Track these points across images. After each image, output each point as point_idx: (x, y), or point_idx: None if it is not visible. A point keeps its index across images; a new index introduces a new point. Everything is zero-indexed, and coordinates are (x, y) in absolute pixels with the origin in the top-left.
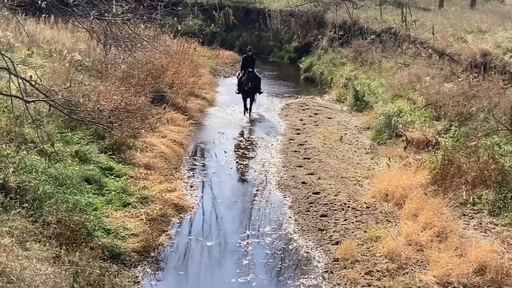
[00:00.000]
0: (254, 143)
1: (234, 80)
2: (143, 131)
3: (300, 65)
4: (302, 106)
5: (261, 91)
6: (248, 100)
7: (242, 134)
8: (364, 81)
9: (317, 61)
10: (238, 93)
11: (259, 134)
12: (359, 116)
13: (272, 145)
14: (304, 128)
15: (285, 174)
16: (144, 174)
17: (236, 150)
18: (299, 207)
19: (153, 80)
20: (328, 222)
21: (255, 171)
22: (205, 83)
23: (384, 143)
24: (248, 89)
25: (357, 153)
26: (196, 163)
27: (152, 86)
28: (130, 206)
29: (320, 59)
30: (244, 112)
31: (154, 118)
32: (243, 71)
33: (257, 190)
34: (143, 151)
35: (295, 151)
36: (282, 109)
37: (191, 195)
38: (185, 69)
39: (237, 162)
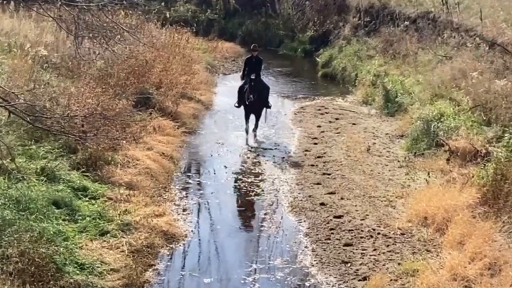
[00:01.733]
0: (261, 156)
1: (235, 82)
2: (124, 142)
3: (317, 59)
4: (320, 110)
5: (270, 105)
6: (252, 117)
7: (246, 145)
8: (396, 78)
9: (338, 54)
10: (238, 106)
11: (267, 145)
12: (390, 121)
13: (283, 158)
14: (323, 137)
15: (299, 193)
16: (126, 195)
17: (239, 164)
18: (318, 235)
19: (136, 80)
20: (354, 253)
21: (262, 191)
22: (200, 82)
23: (422, 154)
24: (252, 103)
25: (389, 166)
26: (190, 181)
27: (135, 87)
28: (109, 234)
29: (342, 51)
30: (247, 133)
31: (138, 126)
32: (245, 78)
33: (265, 214)
34: (125, 166)
35: (312, 165)
36: (295, 114)
37: (184, 220)
38: (175, 65)
39: (240, 179)
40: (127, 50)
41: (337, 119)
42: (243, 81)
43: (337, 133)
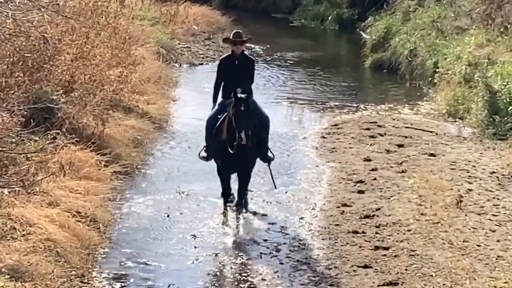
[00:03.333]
0: (260, 214)
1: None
2: (5, 192)
3: (363, 35)
4: (369, 129)
5: (270, 156)
6: (235, 179)
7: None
8: (510, 69)
9: (401, 26)
10: (206, 159)
11: (272, 193)
12: (499, 150)
13: (302, 218)
14: (375, 180)
15: (332, 284)
16: None
17: (220, 231)
18: None
19: (27, 76)
20: None
21: (264, 280)
22: (147, 81)
23: None
24: (238, 151)
25: (497, 233)
26: (129, 263)
27: (24, 90)
28: None
29: (409, 21)
30: (225, 205)
31: (31, 162)
32: (220, 98)
33: None
34: (6, 238)
35: (356, 233)
36: (323, 137)
37: None
38: (100, 48)
39: (221, 260)
40: (9, 20)
41: (401, 146)
42: (216, 105)
43: (401, 172)
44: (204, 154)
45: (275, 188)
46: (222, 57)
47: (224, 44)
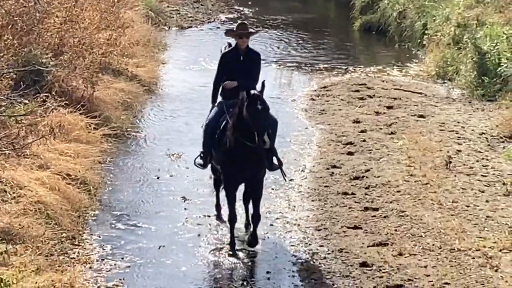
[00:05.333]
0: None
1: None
2: None
3: None
4: (358, 91)
5: (276, 164)
6: (245, 196)
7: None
8: (498, 31)
9: None
10: (203, 166)
11: None
12: (487, 111)
13: (291, 181)
14: (364, 141)
15: (321, 245)
16: (1, 252)
17: (208, 192)
18: None
19: (17, 40)
20: None
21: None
22: (136, 43)
23: None
24: (249, 157)
25: (486, 194)
26: (119, 225)
27: (13, 53)
28: None
29: None
30: (232, 231)
31: (20, 125)
32: (221, 98)
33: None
34: None
35: (345, 194)
36: (313, 99)
37: None
38: (89, 12)
39: (212, 220)
40: None
41: (390, 107)
42: (215, 107)
43: (391, 133)
44: (200, 161)
45: (285, 180)
46: (224, 51)
47: (216, 15)
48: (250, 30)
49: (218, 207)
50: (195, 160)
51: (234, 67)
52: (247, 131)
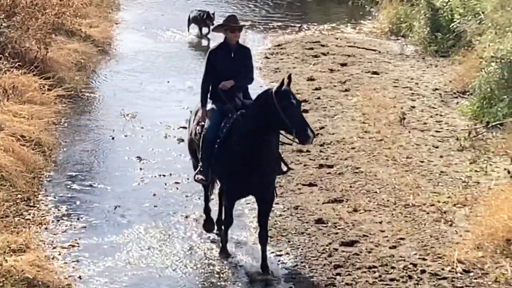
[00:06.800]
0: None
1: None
2: None
3: None
4: (312, 49)
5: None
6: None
7: (174, 113)
8: None
9: None
10: (205, 180)
11: None
12: (441, 67)
13: None
14: (318, 99)
15: (277, 203)
16: None
17: (164, 153)
18: (312, 278)
19: None
20: None
21: (212, 201)
22: (89, 3)
23: (501, 125)
24: (261, 163)
25: (440, 149)
26: (75, 185)
27: None
28: None
29: None
30: (226, 239)
31: None
32: (213, 99)
33: (212, 241)
34: None
35: (300, 152)
36: (267, 57)
37: (65, 259)
38: None
39: (167, 182)
40: None
41: (344, 65)
42: (209, 107)
43: (345, 90)
44: (201, 176)
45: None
46: (212, 47)
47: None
48: (240, 25)
49: (207, 210)
50: (194, 176)
51: (225, 65)
52: (267, 128)
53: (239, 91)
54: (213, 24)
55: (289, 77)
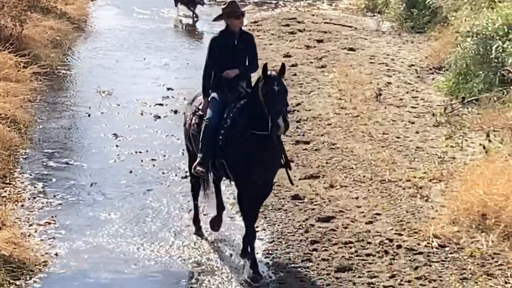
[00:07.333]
0: (180, 113)
1: None
2: None
3: None
4: (288, 26)
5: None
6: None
7: (150, 90)
8: None
9: None
10: (205, 172)
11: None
12: (417, 43)
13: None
14: (295, 75)
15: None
16: None
17: (141, 130)
18: (289, 254)
19: None
20: (355, 285)
21: (185, 178)
22: None
23: (476, 100)
24: (265, 151)
25: (416, 125)
26: (51, 163)
27: None
28: None
29: None
30: (255, 261)
31: None
32: (216, 88)
33: (190, 219)
34: None
35: None
36: None
37: (41, 237)
38: None
39: (143, 158)
40: None
41: (320, 41)
42: (210, 98)
43: (321, 67)
44: (200, 168)
45: (292, 184)
46: (214, 35)
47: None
48: (243, 11)
49: (196, 219)
50: (194, 167)
51: (228, 53)
52: (260, 117)
53: (243, 80)
54: (203, 4)
55: (283, 66)
